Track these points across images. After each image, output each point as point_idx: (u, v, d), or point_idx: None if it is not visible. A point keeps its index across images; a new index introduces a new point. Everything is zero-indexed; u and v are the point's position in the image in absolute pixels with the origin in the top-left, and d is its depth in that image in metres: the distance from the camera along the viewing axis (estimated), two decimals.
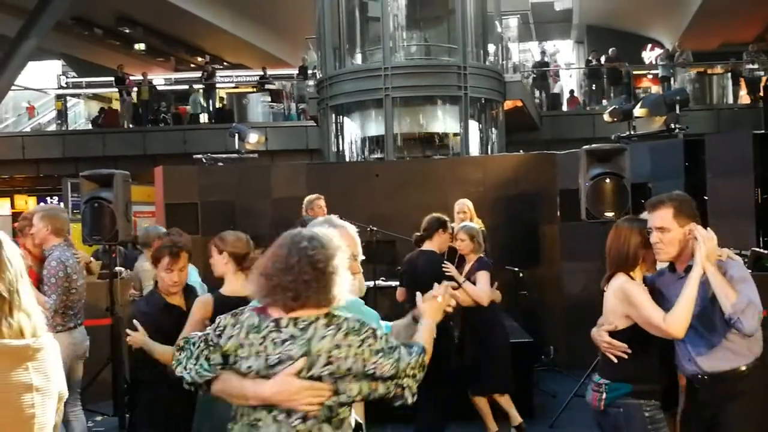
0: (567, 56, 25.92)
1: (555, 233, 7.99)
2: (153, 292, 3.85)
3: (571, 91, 19.80)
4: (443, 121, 13.31)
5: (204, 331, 2.28)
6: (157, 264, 3.67)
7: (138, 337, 3.52)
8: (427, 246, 5.08)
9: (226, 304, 3.52)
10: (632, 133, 8.56)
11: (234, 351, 2.10)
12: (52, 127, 21.11)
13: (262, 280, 2.13)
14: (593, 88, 18.57)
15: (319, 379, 2.04)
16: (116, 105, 20.47)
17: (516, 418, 5.41)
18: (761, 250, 6.05)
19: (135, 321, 3.53)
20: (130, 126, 19.05)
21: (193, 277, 5.35)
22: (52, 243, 5.04)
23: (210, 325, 2.26)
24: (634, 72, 19.47)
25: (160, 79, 24.31)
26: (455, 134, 12.95)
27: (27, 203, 20.14)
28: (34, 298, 1.69)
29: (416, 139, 13.38)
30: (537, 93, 18.22)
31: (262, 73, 20.57)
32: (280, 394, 2.03)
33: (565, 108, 18.99)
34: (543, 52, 21.47)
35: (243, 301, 3.55)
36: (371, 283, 6.62)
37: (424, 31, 14.00)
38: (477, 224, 7.05)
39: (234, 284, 3.66)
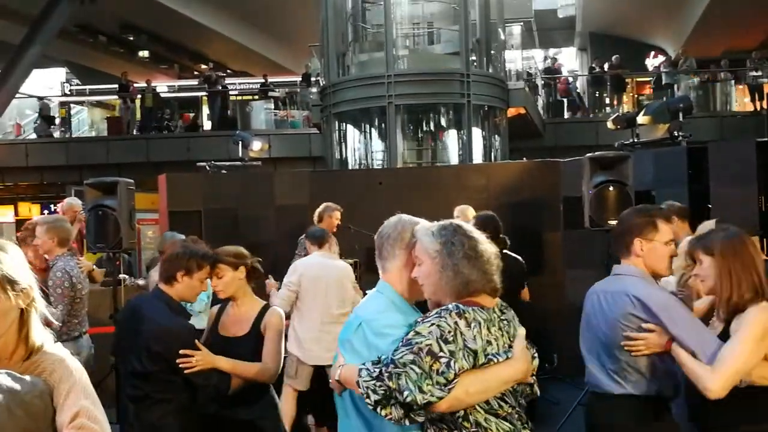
0: (570, 63, 25.93)
1: (558, 240, 7.98)
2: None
3: (578, 95, 19.76)
4: (446, 127, 13.34)
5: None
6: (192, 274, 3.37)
7: (208, 357, 3.19)
8: None
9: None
10: (635, 140, 8.57)
11: (483, 350, 2.01)
12: (56, 135, 21.16)
13: (456, 274, 2.08)
14: (596, 95, 18.59)
15: None
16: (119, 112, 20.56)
17: None
18: (766, 258, 6.05)
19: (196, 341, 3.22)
20: (134, 133, 19.11)
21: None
22: (56, 253, 5.08)
23: None
24: (638, 79, 19.49)
25: (163, 86, 24.39)
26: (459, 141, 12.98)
27: (30, 210, 20.21)
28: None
29: (419, 146, 13.41)
30: (542, 100, 18.24)
31: (264, 80, 20.60)
32: (528, 365, 2.11)
33: (565, 115, 18.99)
34: (554, 59, 21.47)
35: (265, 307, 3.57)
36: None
37: (427, 38, 14.03)
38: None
39: (255, 298, 3.60)
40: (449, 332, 1.96)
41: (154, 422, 3.20)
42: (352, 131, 13.67)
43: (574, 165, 7.28)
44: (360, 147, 13.71)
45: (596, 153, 6.68)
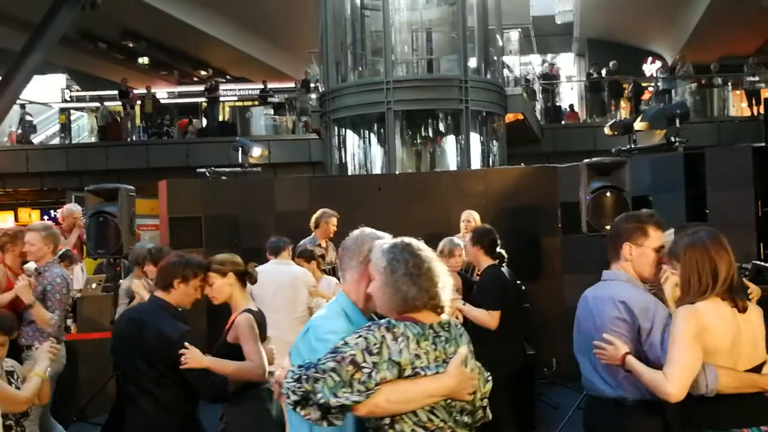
0: (568, 69, 26.04)
1: (556, 246, 8.02)
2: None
3: (571, 106, 19.87)
4: (445, 133, 13.40)
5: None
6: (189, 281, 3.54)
7: (196, 356, 3.30)
8: None
9: (264, 320, 3.60)
10: (633, 146, 8.62)
11: (410, 363, 2.08)
12: (56, 141, 21.21)
13: (396, 291, 2.16)
14: (594, 100, 18.66)
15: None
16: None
17: None
18: (762, 263, 6.08)
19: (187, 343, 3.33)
20: (133, 139, 19.16)
21: None
22: (47, 260, 5.16)
23: None
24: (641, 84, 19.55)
25: (163, 92, 24.45)
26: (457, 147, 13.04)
27: (30, 216, 20.23)
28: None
29: (418, 152, 13.46)
30: (539, 105, 18.31)
31: (263, 86, 20.67)
32: (461, 382, 2.12)
33: (562, 122, 19.07)
34: (552, 65, 21.56)
35: (258, 314, 3.63)
36: None
37: (426, 44, 14.10)
38: None
39: (247, 300, 3.68)
40: (375, 345, 2.05)
41: (152, 424, 3.33)
42: (351, 137, 13.73)
43: (572, 171, 7.32)
44: (359, 153, 13.76)
45: (593, 159, 6.72)
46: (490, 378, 2.30)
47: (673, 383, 2.61)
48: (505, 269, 5.09)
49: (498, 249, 5.02)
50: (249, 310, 3.60)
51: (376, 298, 2.23)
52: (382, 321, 2.13)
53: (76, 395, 6.56)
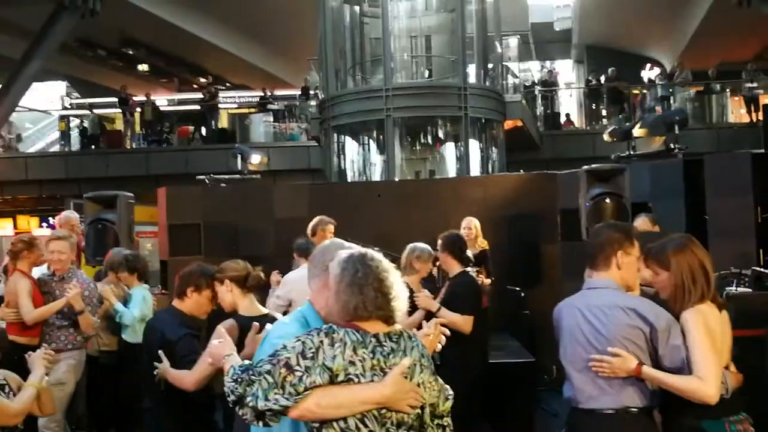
0: (567, 76, 26.08)
1: (556, 252, 8.01)
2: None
3: (567, 114, 19.86)
4: (444, 140, 13.41)
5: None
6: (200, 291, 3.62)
7: (164, 367, 3.42)
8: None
9: (249, 327, 3.60)
10: (632, 153, 8.63)
11: (343, 369, 2.10)
12: (55, 148, 21.22)
13: (339, 299, 2.20)
14: (593, 107, 18.67)
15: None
16: (119, 125, 20.61)
17: None
18: (762, 270, 6.08)
19: (160, 351, 3.43)
20: (133, 146, 19.17)
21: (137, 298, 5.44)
22: (69, 267, 5.17)
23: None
24: (634, 91, 19.59)
25: (163, 99, 24.47)
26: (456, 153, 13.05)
27: (29, 223, 20.21)
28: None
29: (418, 159, 13.47)
30: (539, 110, 18.34)
31: (263, 94, 20.69)
32: (397, 393, 2.12)
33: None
34: (551, 71, 21.57)
35: (260, 320, 3.61)
36: None
37: (425, 51, 14.13)
38: (482, 244, 7.11)
39: (247, 306, 3.66)
40: (310, 349, 2.09)
41: (161, 423, 3.52)
42: (350, 144, 13.74)
43: (571, 177, 7.33)
44: (358, 160, 13.77)
45: (593, 165, 6.74)
46: (451, 396, 2.30)
47: (712, 384, 2.67)
48: (472, 273, 5.18)
49: (467, 253, 5.09)
50: (238, 316, 3.58)
51: (329, 305, 2.27)
52: (324, 326, 2.17)
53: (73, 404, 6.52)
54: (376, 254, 2.29)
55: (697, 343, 2.72)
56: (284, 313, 5.33)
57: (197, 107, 20.02)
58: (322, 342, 2.10)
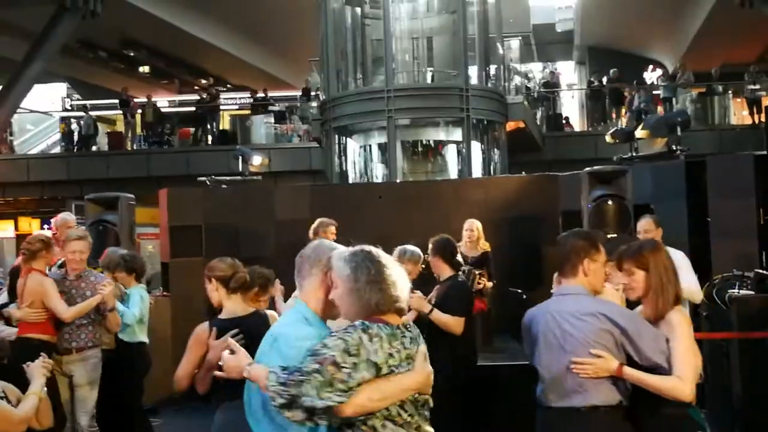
0: (569, 77, 26.06)
1: (557, 255, 7.97)
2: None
3: (566, 118, 19.83)
4: (446, 142, 13.39)
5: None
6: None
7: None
8: None
9: (227, 329, 3.55)
10: (634, 154, 8.62)
11: (385, 362, 2.21)
12: (57, 150, 21.24)
13: (360, 297, 2.29)
14: (595, 109, 18.66)
15: None
16: (120, 127, 20.65)
17: None
18: (765, 272, 6.07)
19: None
20: (134, 148, 19.18)
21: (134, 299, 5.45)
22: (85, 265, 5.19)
23: None
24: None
25: (164, 101, 24.48)
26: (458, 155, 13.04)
27: (31, 225, 20.23)
28: None
29: (419, 160, 13.46)
30: (541, 112, 18.33)
31: (264, 95, 20.69)
32: (427, 377, 2.31)
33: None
34: (552, 72, 21.55)
35: (243, 321, 3.58)
36: None
37: (427, 53, 14.11)
38: (484, 246, 7.09)
39: (230, 307, 3.62)
40: (353, 346, 2.17)
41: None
42: (352, 145, 13.72)
43: (573, 179, 7.31)
44: (360, 161, 13.76)
45: (595, 167, 6.72)
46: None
47: (689, 384, 2.83)
48: (462, 277, 5.23)
49: (457, 258, 5.14)
50: (218, 320, 3.57)
51: (341, 304, 2.35)
52: (357, 323, 2.25)
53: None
54: (378, 250, 2.38)
55: (681, 344, 2.87)
56: None
57: (204, 108, 20.04)
58: (361, 338, 2.19)
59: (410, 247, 5.16)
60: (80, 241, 5.10)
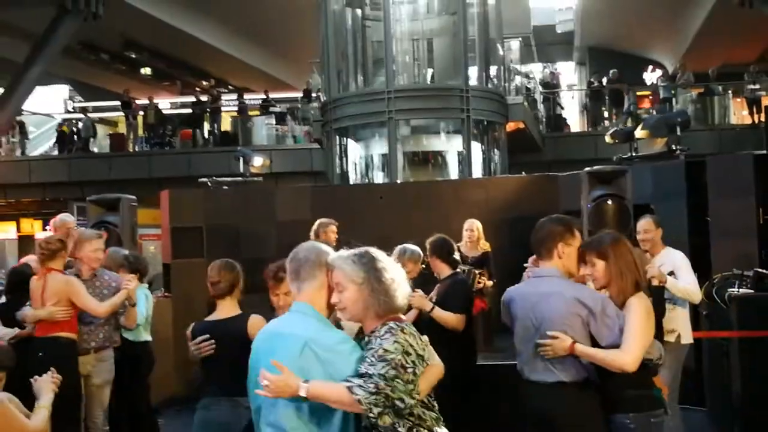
0: (569, 78, 26.06)
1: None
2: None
3: (564, 119, 19.81)
4: (446, 142, 13.41)
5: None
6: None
7: None
8: None
9: (203, 331, 3.65)
10: (634, 154, 8.63)
11: (423, 355, 2.41)
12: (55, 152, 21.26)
13: (378, 299, 2.41)
14: (595, 109, 18.65)
15: None
16: (122, 129, 20.67)
17: None
18: (764, 271, 6.08)
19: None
20: (136, 149, 19.21)
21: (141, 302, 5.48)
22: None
23: None
24: (637, 93, 19.56)
25: (165, 102, 24.50)
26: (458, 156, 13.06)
27: (33, 227, 20.27)
28: None
29: (420, 160, 13.48)
30: (541, 112, 18.33)
31: (265, 96, 20.71)
32: (442, 365, 2.56)
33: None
34: (553, 73, 21.55)
35: (219, 324, 3.66)
36: None
37: (427, 54, 14.13)
38: (484, 246, 7.11)
39: (219, 309, 3.74)
40: (406, 345, 2.33)
41: None
42: (352, 146, 13.75)
43: (573, 179, 7.33)
44: (360, 162, 13.78)
45: (595, 167, 6.73)
46: None
47: (630, 354, 3.05)
48: (462, 275, 5.30)
49: (455, 256, 5.22)
50: (201, 321, 3.70)
51: (355, 308, 2.41)
52: (392, 324, 2.38)
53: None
54: (379, 252, 2.49)
55: (633, 325, 3.10)
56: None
57: (200, 110, 20.05)
58: (406, 338, 2.35)
59: (410, 246, 5.20)
60: (100, 240, 5.15)
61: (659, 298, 4.59)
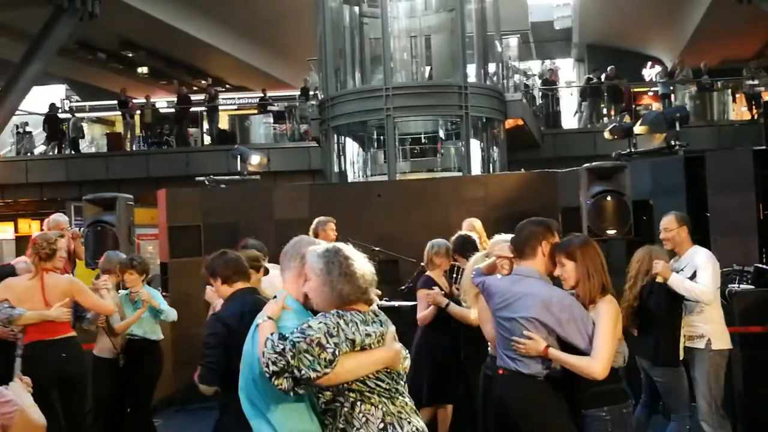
0: (568, 75, 26.04)
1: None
2: None
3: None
4: (445, 140, 13.39)
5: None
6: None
7: None
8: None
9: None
10: (633, 150, 8.60)
11: (362, 342, 2.51)
12: (56, 151, 21.20)
13: (332, 289, 2.56)
14: (593, 105, 18.62)
15: None
16: (119, 128, 20.62)
17: None
18: (764, 267, 6.06)
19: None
20: (133, 149, 19.17)
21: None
22: None
23: None
24: (635, 90, 19.55)
25: (163, 101, 24.47)
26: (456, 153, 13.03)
27: (30, 227, 20.20)
28: None
29: (418, 158, 13.46)
30: (540, 105, 18.30)
31: (263, 95, 20.68)
32: (396, 353, 2.60)
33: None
34: (551, 69, 21.52)
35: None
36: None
37: (425, 51, 14.10)
38: (486, 245, 7.07)
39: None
40: (333, 328, 2.46)
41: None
42: (350, 144, 13.71)
43: (572, 175, 7.30)
44: (359, 160, 13.75)
45: (593, 163, 6.70)
46: (408, 356, 2.72)
47: (600, 363, 3.21)
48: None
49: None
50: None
51: (314, 296, 2.61)
52: (332, 311, 2.53)
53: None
54: (348, 246, 2.66)
55: (603, 331, 3.26)
56: None
57: (198, 108, 20.03)
58: (338, 323, 2.48)
59: (438, 241, 5.42)
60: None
61: (666, 295, 4.53)
